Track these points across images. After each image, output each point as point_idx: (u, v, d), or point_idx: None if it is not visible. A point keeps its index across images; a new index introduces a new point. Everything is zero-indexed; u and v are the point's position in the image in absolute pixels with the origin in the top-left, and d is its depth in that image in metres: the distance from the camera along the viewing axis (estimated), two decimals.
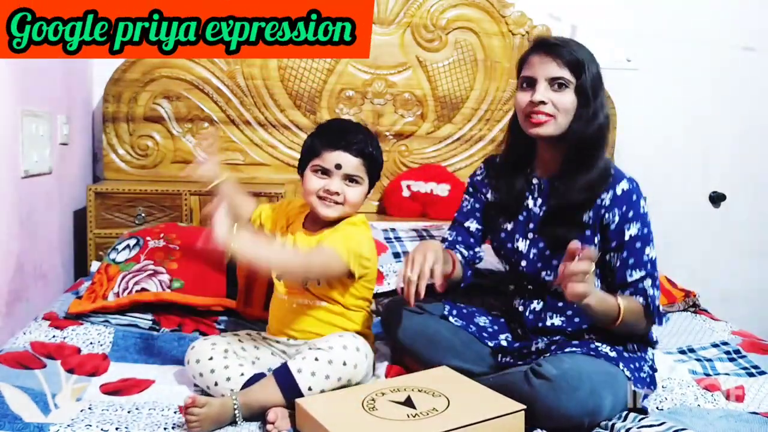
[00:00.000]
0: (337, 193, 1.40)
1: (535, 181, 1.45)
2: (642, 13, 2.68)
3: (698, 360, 1.62)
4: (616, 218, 1.35)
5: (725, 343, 1.72)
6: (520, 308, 1.47)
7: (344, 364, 1.28)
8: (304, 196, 1.46)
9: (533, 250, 1.43)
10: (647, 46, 2.69)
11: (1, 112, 1.61)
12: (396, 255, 1.97)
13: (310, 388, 1.24)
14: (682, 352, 1.69)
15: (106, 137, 2.32)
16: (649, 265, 1.36)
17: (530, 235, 1.44)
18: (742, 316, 2.51)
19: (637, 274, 1.35)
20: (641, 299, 1.35)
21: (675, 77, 2.74)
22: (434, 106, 2.50)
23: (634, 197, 1.36)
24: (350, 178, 1.42)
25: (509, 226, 1.48)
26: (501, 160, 1.53)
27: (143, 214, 2.13)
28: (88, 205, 2.11)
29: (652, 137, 2.75)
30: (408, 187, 2.39)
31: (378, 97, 2.46)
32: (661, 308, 1.38)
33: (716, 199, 2.85)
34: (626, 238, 1.35)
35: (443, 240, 1.57)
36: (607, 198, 1.36)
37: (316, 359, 1.27)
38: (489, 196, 1.54)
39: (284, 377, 1.24)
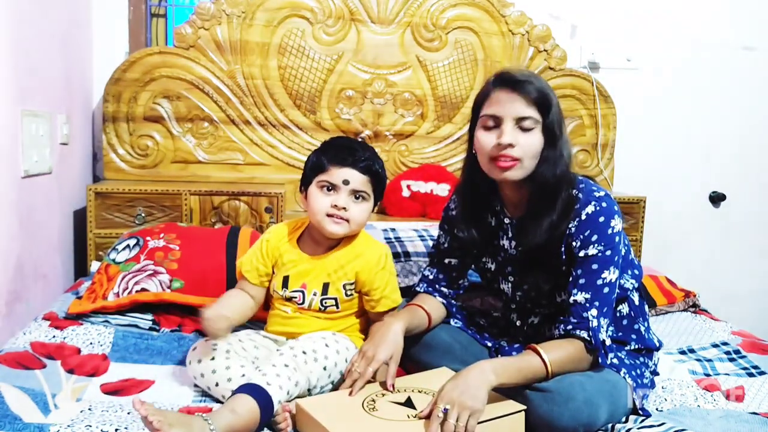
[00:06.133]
0: (345, 209, 1.39)
1: (507, 221, 1.40)
2: (642, 13, 2.68)
3: (698, 360, 1.62)
4: (579, 243, 1.29)
5: (725, 344, 1.72)
6: (518, 323, 1.46)
7: (325, 368, 1.32)
8: (311, 216, 1.44)
9: (518, 293, 1.42)
10: (647, 46, 2.69)
11: (1, 112, 1.61)
12: (396, 255, 1.96)
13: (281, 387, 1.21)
14: (682, 352, 1.69)
15: (106, 137, 2.32)
16: (604, 289, 1.27)
17: (511, 278, 1.42)
18: (742, 316, 2.52)
19: (581, 297, 1.27)
20: (584, 333, 1.25)
21: (675, 77, 2.74)
22: (434, 106, 2.50)
23: (601, 219, 1.29)
24: (357, 194, 1.41)
25: (492, 267, 1.45)
26: (464, 203, 1.45)
27: (143, 214, 2.13)
28: (88, 205, 2.11)
29: (652, 137, 2.76)
30: (408, 187, 2.39)
31: (378, 96, 2.46)
32: (607, 343, 1.28)
33: (716, 199, 2.85)
34: (581, 255, 1.29)
35: (422, 279, 1.53)
36: (573, 226, 1.30)
37: (286, 365, 1.25)
38: (466, 233, 1.45)
39: (258, 395, 1.18)
